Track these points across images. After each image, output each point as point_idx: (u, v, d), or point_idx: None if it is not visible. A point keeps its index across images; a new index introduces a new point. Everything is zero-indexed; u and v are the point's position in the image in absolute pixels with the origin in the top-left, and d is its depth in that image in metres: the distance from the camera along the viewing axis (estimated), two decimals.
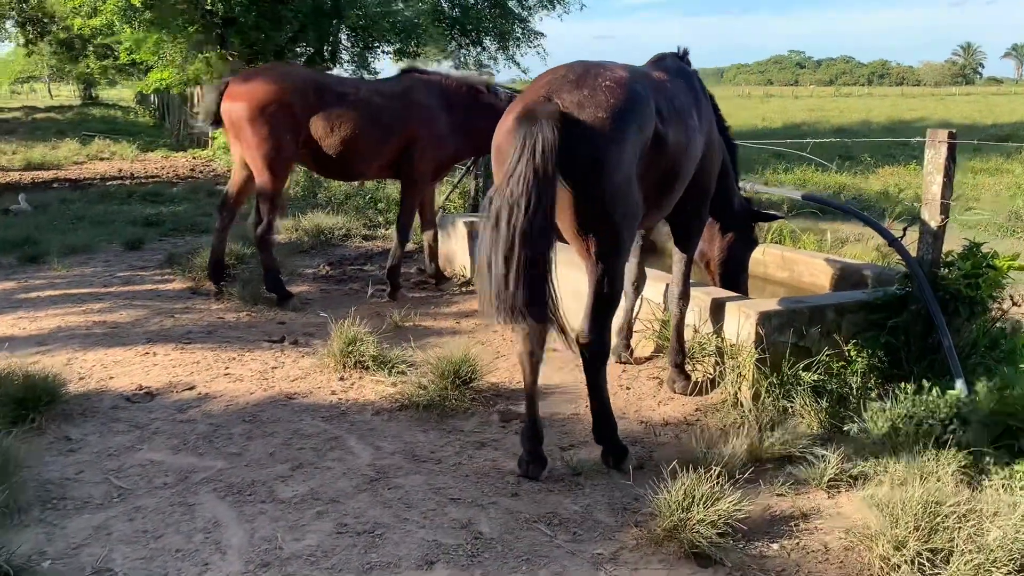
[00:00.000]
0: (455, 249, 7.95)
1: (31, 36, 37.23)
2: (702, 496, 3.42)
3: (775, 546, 3.38)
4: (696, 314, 5.02)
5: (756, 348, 4.59)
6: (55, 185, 15.18)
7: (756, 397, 4.59)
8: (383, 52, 20.30)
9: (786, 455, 4.08)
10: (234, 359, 5.37)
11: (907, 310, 4.73)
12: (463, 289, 7.29)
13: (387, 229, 10.02)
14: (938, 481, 3.63)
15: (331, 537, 3.34)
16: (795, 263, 6.24)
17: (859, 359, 4.74)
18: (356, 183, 11.90)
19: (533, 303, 3.54)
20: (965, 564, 3.02)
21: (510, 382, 5.00)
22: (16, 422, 4.19)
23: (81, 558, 3.19)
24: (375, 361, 5.13)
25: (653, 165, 3.87)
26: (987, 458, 3.89)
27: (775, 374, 4.60)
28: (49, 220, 10.56)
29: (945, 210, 4.67)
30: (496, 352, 5.59)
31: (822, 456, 3.97)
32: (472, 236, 7.35)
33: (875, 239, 7.63)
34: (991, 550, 3.06)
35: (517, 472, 3.88)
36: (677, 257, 4.79)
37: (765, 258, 6.45)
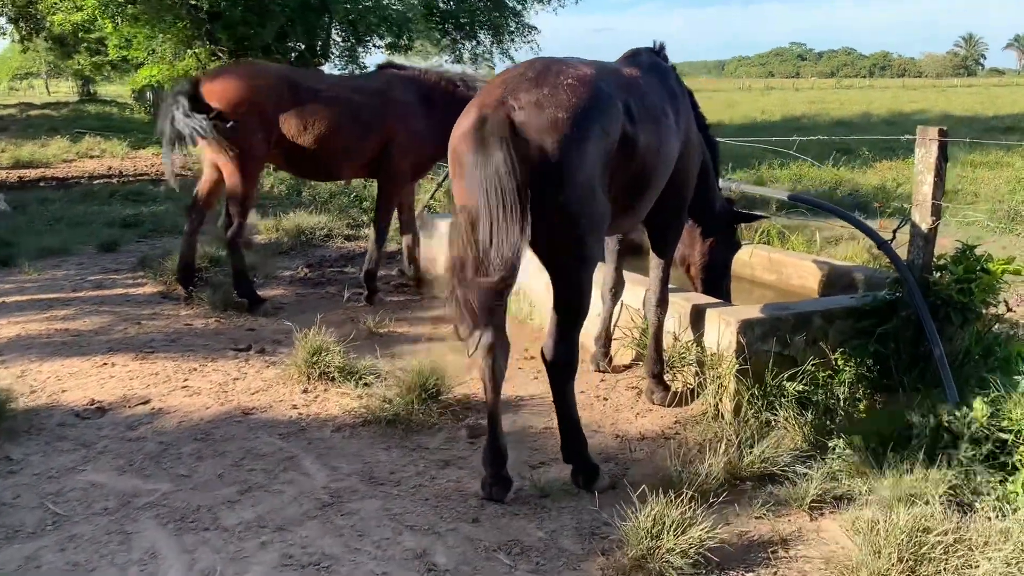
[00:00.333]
0: (439, 250, 7.71)
1: (24, 32, 36.95)
2: (673, 523, 3.19)
3: None
4: (676, 321, 4.79)
5: (737, 358, 4.37)
6: (41, 184, 14.93)
7: (738, 409, 4.37)
8: (375, 47, 20.08)
9: (767, 473, 3.85)
10: (195, 370, 5.15)
11: (897, 316, 4.50)
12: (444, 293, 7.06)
13: (370, 229, 9.78)
14: (926, 504, 3.41)
15: (275, 570, 3.11)
16: (783, 265, 6.01)
17: (846, 368, 4.52)
18: (343, 182, 11.67)
19: (493, 320, 3.35)
20: None
21: (483, 394, 4.76)
22: None
23: None
24: (341, 372, 4.90)
25: (622, 169, 3.63)
26: (979, 477, 3.67)
27: (758, 385, 4.38)
28: (27, 221, 10.32)
29: (936, 211, 4.44)
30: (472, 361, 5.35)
31: (805, 474, 3.75)
32: None
33: (868, 238, 7.39)
34: None
35: (480, 495, 3.66)
36: (654, 263, 4.56)
37: (752, 260, 6.22)
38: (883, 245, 4.58)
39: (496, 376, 3.58)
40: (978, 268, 4.43)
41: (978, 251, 4.53)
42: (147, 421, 4.39)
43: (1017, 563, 2.98)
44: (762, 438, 4.08)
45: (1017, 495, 3.52)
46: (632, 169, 3.72)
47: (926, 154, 4.39)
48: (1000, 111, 30.82)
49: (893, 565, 2.95)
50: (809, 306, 4.65)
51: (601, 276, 5.05)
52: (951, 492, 3.56)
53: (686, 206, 4.55)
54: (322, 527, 3.39)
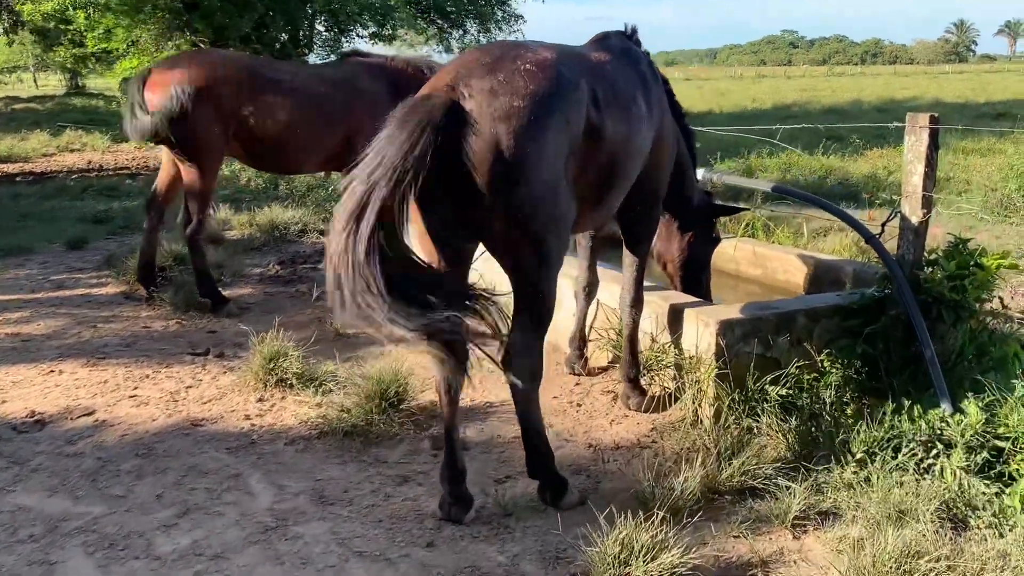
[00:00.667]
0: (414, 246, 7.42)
1: (8, 24, 36.41)
2: (643, 547, 2.94)
3: None
4: (653, 321, 4.53)
5: (717, 361, 4.11)
6: (18, 179, 14.59)
7: (717, 415, 4.11)
8: (358, 36, 19.74)
9: (747, 487, 3.59)
10: (147, 377, 4.87)
11: (886, 315, 4.24)
12: None
13: None
14: (917, 522, 3.15)
15: None
16: (768, 259, 5.74)
17: (833, 371, 4.26)
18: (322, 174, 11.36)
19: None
20: None
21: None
22: None
23: None
24: (300, 379, 4.63)
25: (588, 161, 3.36)
26: (973, 489, 3.41)
27: (739, 389, 4.12)
28: None
29: (927, 204, 4.17)
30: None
31: (788, 488, 3.50)
32: None
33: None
34: None
35: (438, 515, 3.39)
36: (628, 261, 4.28)
37: (736, 254, 5.96)
38: (871, 239, 4.32)
39: (452, 387, 3.32)
40: (972, 263, 4.17)
41: (971, 244, 4.27)
42: (88, 435, 4.11)
43: None
44: (743, 447, 3.83)
45: (1015, 510, 3.27)
46: (599, 162, 3.44)
47: (916, 142, 4.13)
48: (992, 97, 30.59)
49: None
50: (792, 305, 4.39)
51: (574, 274, 4.79)
52: (944, 508, 3.31)
53: (660, 200, 4.28)
54: (263, 554, 3.13)
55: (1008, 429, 3.56)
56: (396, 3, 17.45)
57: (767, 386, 4.12)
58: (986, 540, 3.08)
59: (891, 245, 4.31)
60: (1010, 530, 3.17)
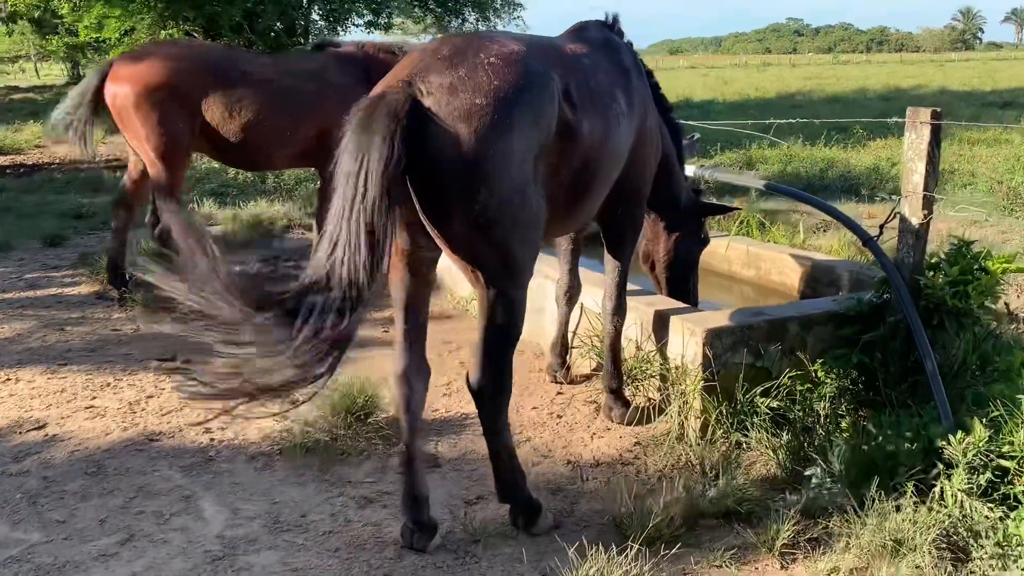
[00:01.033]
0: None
1: (6, 14, 36.15)
2: None
3: None
4: (638, 328, 4.29)
5: (704, 371, 3.87)
6: (8, 171, 14.37)
7: (705, 429, 3.87)
8: (354, 26, 19.48)
9: (733, 510, 3.36)
10: (108, 385, 4.64)
11: (884, 323, 3.99)
12: None
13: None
14: (913, 552, 2.92)
15: None
16: (761, 259, 5.49)
17: (827, 381, 4.02)
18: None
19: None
20: None
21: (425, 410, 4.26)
22: None
23: None
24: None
25: (562, 162, 3.11)
26: (975, 515, 3.17)
27: (727, 402, 3.88)
28: None
29: (928, 204, 3.91)
30: None
31: (776, 511, 3.26)
32: None
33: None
34: None
35: (400, 543, 3.16)
36: (610, 265, 4.03)
37: (729, 254, 5.70)
38: (868, 242, 4.06)
39: (413, 408, 3.08)
40: (975, 267, 3.91)
41: (976, 245, 4.01)
42: (36, 451, 3.89)
43: None
44: (730, 465, 3.60)
45: (1021, 539, 3.03)
46: (574, 162, 3.20)
47: (916, 139, 3.87)
48: (998, 85, 30.19)
49: None
50: (784, 311, 4.15)
51: (555, 278, 4.55)
52: (944, 535, 3.07)
53: (644, 200, 4.02)
54: None
55: (1014, 447, 3.31)
56: None
57: (757, 398, 3.90)
58: (990, 571, 2.84)
59: (892, 244, 4.07)
60: (1015, 561, 2.93)
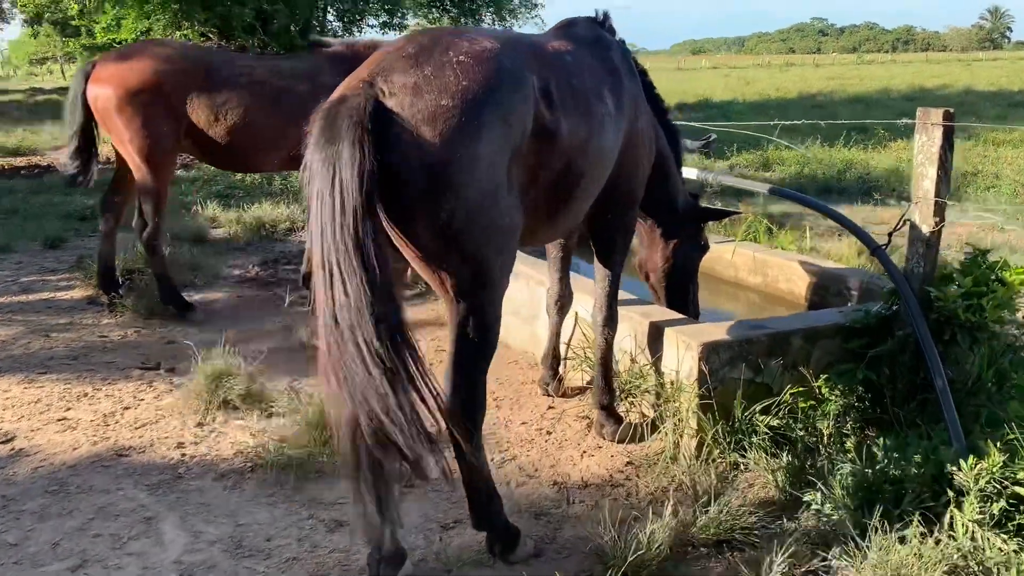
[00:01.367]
0: None
1: (28, 16, 36.42)
2: None
3: None
4: (632, 340, 4.07)
5: (700, 388, 3.65)
6: (22, 172, 14.35)
7: (700, 448, 3.66)
8: (368, 27, 19.38)
9: (726, 538, 3.14)
10: (85, 395, 4.49)
11: (892, 336, 3.76)
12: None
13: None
14: None
15: None
16: (768, 266, 5.25)
17: (831, 398, 3.79)
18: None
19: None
20: None
21: None
22: None
23: None
24: (246, 400, 4.23)
25: (541, 166, 2.91)
26: (988, 549, 2.93)
27: (724, 419, 3.66)
28: None
29: (940, 211, 3.67)
30: None
31: (772, 539, 3.04)
32: None
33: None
34: None
35: (366, 574, 2.96)
36: (600, 275, 3.82)
37: (736, 260, 5.47)
38: (876, 251, 3.82)
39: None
40: (991, 278, 3.67)
41: (993, 254, 3.77)
42: (0, 466, 3.73)
43: None
44: (726, 487, 3.38)
45: None
46: (555, 165, 2.99)
47: (928, 142, 3.64)
48: None
49: None
50: (786, 324, 3.92)
51: (546, 287, 4.35)
52: (951, 570, 2.84)
53: (636, 204, 3.81)
54: None
55: None
56: None
57: (756, 416, 3.67)
58: None
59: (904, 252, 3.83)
60: None
